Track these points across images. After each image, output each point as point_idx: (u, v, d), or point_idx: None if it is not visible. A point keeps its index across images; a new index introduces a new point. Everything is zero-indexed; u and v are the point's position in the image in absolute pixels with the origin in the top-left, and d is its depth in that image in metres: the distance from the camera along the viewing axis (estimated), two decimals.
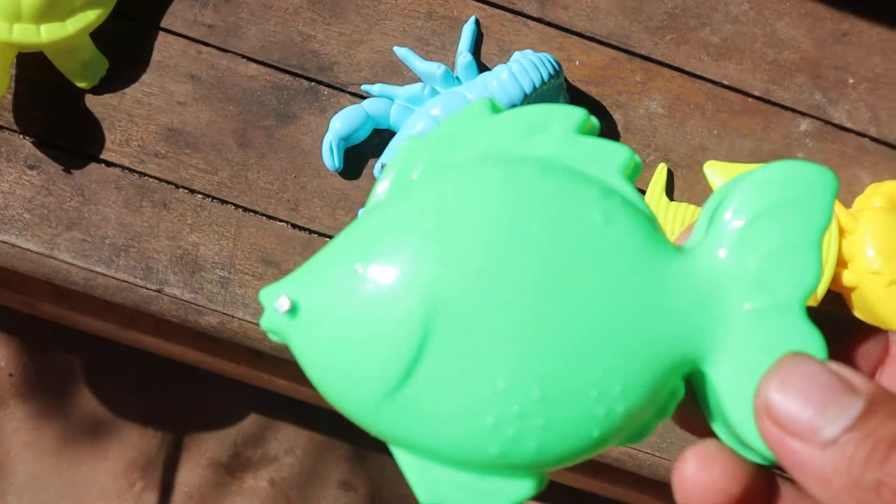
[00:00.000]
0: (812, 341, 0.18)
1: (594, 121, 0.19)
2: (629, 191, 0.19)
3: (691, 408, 0.19)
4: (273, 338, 0.19)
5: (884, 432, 0.16)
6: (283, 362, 0.57)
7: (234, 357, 0.62)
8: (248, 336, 0.50)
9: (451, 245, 0.18)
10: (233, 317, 0.49)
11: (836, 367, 0.17)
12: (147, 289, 0.49)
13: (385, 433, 0.18)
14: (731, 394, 0.18)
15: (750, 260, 0.18)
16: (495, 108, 0.19)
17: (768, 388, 0.17)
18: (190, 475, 0.90)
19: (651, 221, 0.19)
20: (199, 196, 0.50)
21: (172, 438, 0.91)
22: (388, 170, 0.19)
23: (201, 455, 0.91)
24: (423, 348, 0.18)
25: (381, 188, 0.19)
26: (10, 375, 0.90)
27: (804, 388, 0.17)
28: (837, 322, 0.20)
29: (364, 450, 0.93)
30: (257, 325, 0.49)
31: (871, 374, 0.19)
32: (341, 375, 0.18)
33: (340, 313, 0.18)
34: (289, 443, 0.92)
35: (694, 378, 0.19)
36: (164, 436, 0.91)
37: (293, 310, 0.18)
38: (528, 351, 0.17)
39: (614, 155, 0.19)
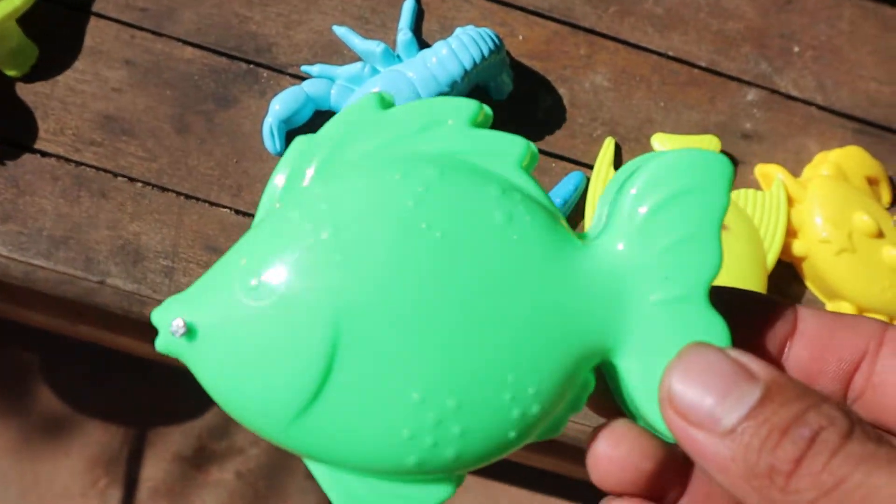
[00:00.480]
0: (715, 329, 0.18)
1: (488, 111, 0.19)
2: (528, 184, 0.18)
3: (606, 395, 0.20)
4: (173, 356, 0.18)
5: (777, 420, 0.16)
6: None
7: None
8: None
9: (350, 255, 0.17)
10: None
11: (736, 354, 0.17)
12: (89, 280, 0.48)
13: (298, 450, 0.18)
14: (638, 385, 0.18)
15: (651, 251, 0.18)
16: (385, 103, 0.19)
17: (670, 378, 0.17)
18: (155, 470, 0.89)
19: (552, 215, 0.18)
20: (139, 184, 0.49)
21: (135, 433, 0.90)
22: (278, 171, 0.18)
23: (166, 449, 0.90)
24: (331, 365, 0.17)
25: (278, 179, 0.18)
26: None
27: (704, 378, 0.17)
28: (746, 300, 0.20)
29: None
30: None
31: (781, 349, 0.20)
32: (247, 397, 0.18)
33: (240, 333, 0.17)
34: (254, 434, 0.91)
35: (606, 368, 0.19)
36: (126, 431, 0.89)
37: (190, 332, 0.18)
38: (440, 360, 0.17)
39: (511, 147, 0.18)
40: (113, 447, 0.89)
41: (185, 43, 0.50)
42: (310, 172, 0.18)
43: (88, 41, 0.50)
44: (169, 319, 0.18)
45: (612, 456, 0.19)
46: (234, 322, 0.17)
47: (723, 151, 0.51)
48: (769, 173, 0.52)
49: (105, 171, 0.49)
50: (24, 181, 0.48)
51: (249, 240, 0.18)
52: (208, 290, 0.18)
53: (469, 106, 0.18)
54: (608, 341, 0.18)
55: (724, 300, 0.19)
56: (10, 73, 0.48)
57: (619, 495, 0.19)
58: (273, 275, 0.17)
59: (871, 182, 0.52)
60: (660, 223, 0.18)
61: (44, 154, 0.49)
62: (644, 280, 0.18)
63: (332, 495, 0.18)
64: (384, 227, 0.17)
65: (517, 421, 0.18)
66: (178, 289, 0.48)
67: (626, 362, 0.18)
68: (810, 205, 0.50)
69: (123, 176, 0.49)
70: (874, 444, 0.16)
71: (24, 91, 0.49)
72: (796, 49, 0.54)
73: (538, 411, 0.18)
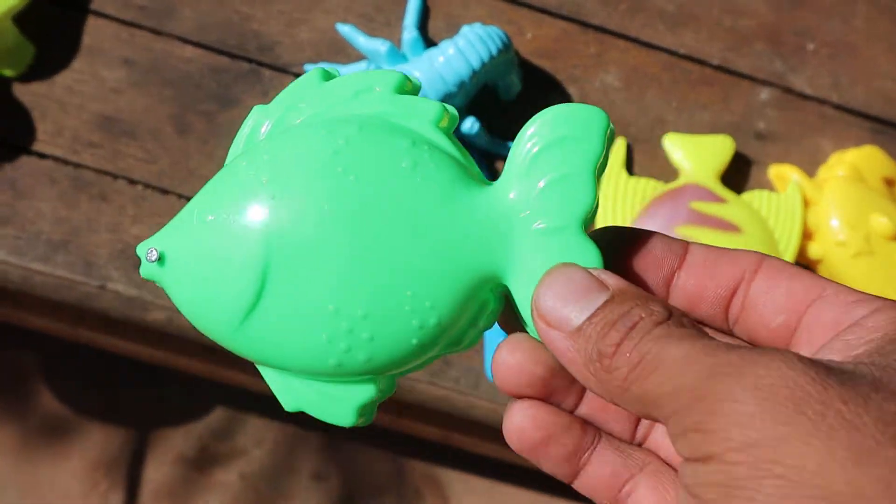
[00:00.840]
0: (588, 254, 0.21)
1: (415, 81, 0.23)
2: (442, 140, 0.22)
3: (513, 316, 0.23)
4: (152, 280, 0.23)
5: (611, 316, 0.19)
6: (241, 358, 0.55)
7: (188, 353, 0.60)
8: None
9: (282, 196, 0.21)
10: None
11: (596, 271, 0.21)
12: (88, 285, 0.47)
13: (246, 353, 0.22)
14: (523, 302, 0.22)
15: (536, 188, 0.22)
16: (327, 76, 0.23)
17: (538, 290, 0.21)
18: (157, 472, 0.88)
19: (458, 164, 0.22)
20: (139, 186, 0.48)
21: (137, 435, 0.89)
22: (242, 129, 0.23)
23: (167, 451, 0.89)
24: (264, 283, 0.21)
25: (245, 129, 0.23)
26: None
27: (564, 289, 0.20)
28: (639, 235, 0.22)
29: (336, 439, 0.91)
30: None
31: (670, 278, 0.22)
32: (203, 309, 0.22)
33: (197, 259, 0.22)
34: (258, 435, 0.90)
35: (508, 291, 0.22)
36: (127, 433, 0.88)
37: (161, 259, 0.22)
38: (352, 279, 0.21)
39: (427, 109, 0.22)
40: (114, 449, 0.88)
41: (186, 42, 0.49)
42: (264, 130, 0.22)
43: (86, 40, 0.49)
44: (146, 249, 0.22)
45: (509, 362, 0.22)
46: (192, 249, 0.22)
47: (736, 152, 0.50)
48: (784, 174, 0.51)
49: (104, 173, 0.48)
50: (21, 184, 0.47)
51: (212, 183, 0.22)
52: (177, 224, 0.22)
53: (395, 75, 0.22)
54: (499, 267, 0.22)
55: (617, 235, 0.22)
56: (7, 72, 0.47)
57: (521, 398, 0.22)
58: (223, 210, 0.22)
59: (889, 183, 0.51)
60: (542, 164, 0.22)
61: (41, 156, 0.48)
62: (528, 213, 0.22)
63: (278, 395, 0.22)
64: (309, 172, 0.22)
65: (417, 329, 0.21)
66: None
67: (515, 284, 0.22)
68: (826, 207, 0.49)
69: (123, 178, 0.48)
70: (677, 328, 0.19)
71: (21, 91, 0.48)
72: (811, 46, 0.53)
73: (435, 322, 0.22)
